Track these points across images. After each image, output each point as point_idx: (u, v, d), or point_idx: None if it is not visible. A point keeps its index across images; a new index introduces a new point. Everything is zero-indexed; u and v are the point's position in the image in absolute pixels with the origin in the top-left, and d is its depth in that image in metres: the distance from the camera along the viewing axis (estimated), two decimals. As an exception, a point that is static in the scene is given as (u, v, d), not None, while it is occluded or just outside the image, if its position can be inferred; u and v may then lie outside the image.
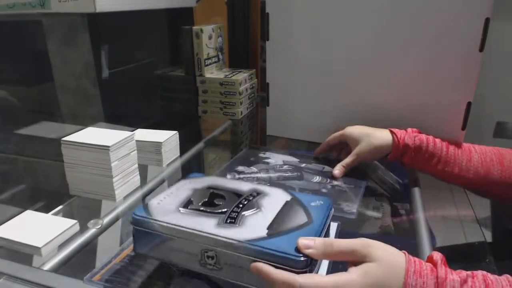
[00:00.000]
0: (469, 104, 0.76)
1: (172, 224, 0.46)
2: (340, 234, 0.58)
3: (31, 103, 1.15)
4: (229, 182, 0.56)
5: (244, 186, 0.55)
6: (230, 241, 0.43)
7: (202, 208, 0.49)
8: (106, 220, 0.62)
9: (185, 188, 0.54)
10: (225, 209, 0.48)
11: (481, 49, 0.72)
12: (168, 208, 0.49)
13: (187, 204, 0.50)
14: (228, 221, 0.46)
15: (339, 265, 0.44)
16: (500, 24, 1.01)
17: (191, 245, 0.45)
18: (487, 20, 0.70)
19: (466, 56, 0.73)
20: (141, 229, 0.47)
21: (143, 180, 0.74)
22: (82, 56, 0.91)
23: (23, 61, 1.11)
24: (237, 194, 0.53)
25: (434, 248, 0.56)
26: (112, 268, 0.50)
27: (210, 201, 0.51)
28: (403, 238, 0.62)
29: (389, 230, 0.61)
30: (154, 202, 0.50)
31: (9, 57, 1.10)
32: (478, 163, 0.63)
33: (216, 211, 0.48)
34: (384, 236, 0.60)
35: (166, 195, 0.52)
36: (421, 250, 0.56)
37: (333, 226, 0.59)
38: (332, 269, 0.50)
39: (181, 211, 0.48)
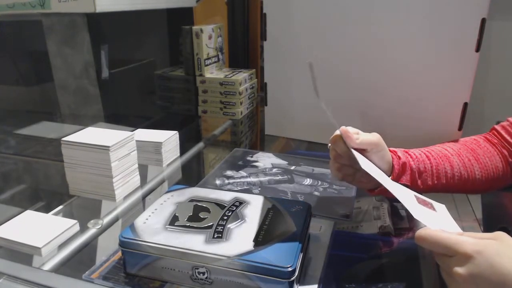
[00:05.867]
0: (465, 104, 0.76)
1: (161, 244, 0.46)
2: (336, 234, 0.58)
3: (31, 103, 1.16)
4: (210, 193, 0.57)
5: (226, 196, 0.56)
6: (220, 257, 0.44)
7: (188, 224, 0.49)
8: (106, 220, 0.62)
9: (169, 203, 0.55)
10: (211, 223, 0.49)
11: (477, 50, 0.72)
12: (155, 227, 0.49)
13: (173, 220, 0.50)
14: (215, 236, 0.47)
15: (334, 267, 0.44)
16: (499, 24, 1.01)
17: (182, 263, 0.46)
18: (483, 21, 0.70)
19: (463, 57, 0.73)
20: (130, 251, 0.48)
21: (143, 180, 0.74)
22: (82, 56, 0.91)
23: (23, 61, 1.11)
24: (220, 205, 0.54)
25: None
26: (111, 265, 0.51)
27: (195, 215, 0.51)
28: (403, 238, 0.62)
29: (389, 230, 0.61)
30: (140, 222, 0.50)
31: (9, 57, 1.10)
32: (460, 167, 0.62)
33: (203, 226, 0.49)
34: (384, 236, 0.60)
35: (150, 212, 0.52)
36: (421, 250, 0.57)
37: (329, 226, 0.59)
38: (325, 275, 0.51)
39: (168, 228, 0.49)
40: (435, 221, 0.45)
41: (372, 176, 0.56)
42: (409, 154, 0.61)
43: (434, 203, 0.52)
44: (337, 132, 0.55)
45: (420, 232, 0.42)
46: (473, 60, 0.73)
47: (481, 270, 0.37)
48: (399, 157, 0.59)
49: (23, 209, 0.62)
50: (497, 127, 0.66)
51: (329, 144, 0.58)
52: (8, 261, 0.51)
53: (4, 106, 1.16)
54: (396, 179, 0.57)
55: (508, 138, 0.63)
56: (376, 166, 0.55)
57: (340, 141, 0.55)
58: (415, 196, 0.51)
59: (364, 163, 0.52)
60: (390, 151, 0.59)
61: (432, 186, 0.60)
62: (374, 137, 0.56)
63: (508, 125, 0.64)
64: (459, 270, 0.38)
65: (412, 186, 0.59)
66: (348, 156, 0.55)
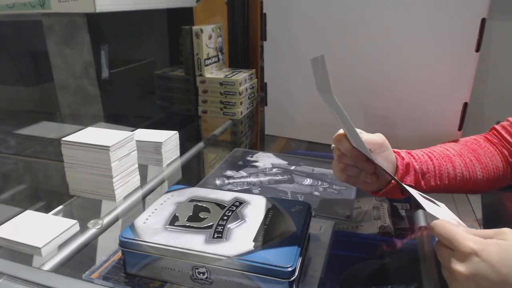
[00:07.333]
0: (465, 104, 0.76)
1: (161, 244, 0.46)
2: (336, 234, 0.58)
3: (31, 103, 1.16)
4: (210, 193, 0.57)
5: (226, 196, 0.56)
6: (220, 257, 0.44)
7: (188, 224, 0.49)
8: (106, 220, 0.62)
9: (169, 203, 0.55)
10: (211, 223, 0.49)
11: (477, 50, 0.72)
12: (155, 227, 0.49)
13: (173, 220, 0.50)
14: (215, 236, 0.47)
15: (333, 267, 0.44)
16: (500, 24, 1.01)
17: (182, 263, 0.46)
18: (483, 21, 0.70)
19: (463, 57, 0.73)
20: (130, 251, 0.48)
21: (143, 180, 0.74)
22: (82, 56, 0.91)
23: (23, 61, 1.11)
24: (220, 205, 0.54)
25: (434, 248, 0.56)
26: (111, 265, 0.51)
27: (195, 215, 0.51)
28: (403, 238, 0.62)
29: (389, 230, 0.61)
30: (140, 222, 0.50)
31: (9, 57, 1.10)
32: (462, 168, 0.62)
33: (203, 226, 0.49)
34: (384, 236, 0.60)
35: (150, 212, 0.52)
36: (421, 250, 0.57)
37: (329, 226, 0.59)
38: (325, 275, 0.51)
39: (168, 228, 0.49)
40: (446, 214, 0.46)
41: (377, 178, 0.56)
42: (411, 155, 0.61)
43: (436, 202, 0.52)
44: (341, 130, 0.55)
45: (433, 221, 0.42)
46: (473, 60, 0.73)
47: (482, 269, 0.37)
48: (403, 158, 0.59)
49: (23, 209, 0.62)
50: (497, 127, 0.66)
51: (333, 145, 0.57)
52: (8, 261, 0.51)
53: (4, 106, 1.16)
54: (400, 179, 0.57)
55: (508, 138, 0.63)
56: (381, 166, 0.54)
57: (344, 140, 0.54)
58: (420, 194, 0.51)
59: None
60: (393, 151, 0.59)
61: (435, 186, 0.60)
62: (378, 137, 0.56)
63: (508, 125, 0.64)
64: (459, 267, 0.38)
65: (416, 186, 0.58)
66: (353, 154, 0.54)
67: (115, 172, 0.66)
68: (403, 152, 0.61)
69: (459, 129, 0.78)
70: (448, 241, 0.40)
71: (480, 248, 0.37)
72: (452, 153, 0.63)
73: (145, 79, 1.19)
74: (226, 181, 0.74)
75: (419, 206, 0.47)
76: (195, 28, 1.08)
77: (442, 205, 0.51)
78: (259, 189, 0.71)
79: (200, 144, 0.96)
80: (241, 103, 1.11)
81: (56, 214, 0.65)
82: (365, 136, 0.54)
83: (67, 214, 0.66)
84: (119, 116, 1.04)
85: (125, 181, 0.69)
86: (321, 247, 0.54)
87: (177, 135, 0.83)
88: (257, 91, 1.23)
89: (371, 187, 0.59)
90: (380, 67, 0.81)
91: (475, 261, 0.37)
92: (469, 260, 0.37)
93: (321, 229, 0.58)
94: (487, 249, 0.37)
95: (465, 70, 0.74)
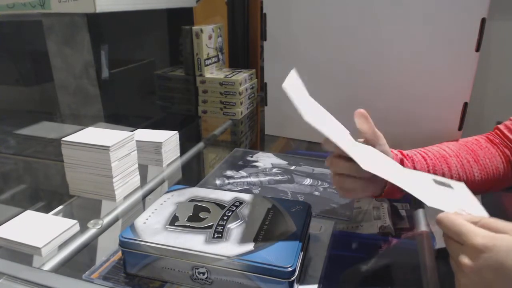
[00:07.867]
0: (465, 104, 0.76)
1: (161, 244, 0.46)
2: (336, 234, 0.58)
3: (31, 103, 1.16)
4: (210, 193, 0.57)
5: (226, 196, 0.56)
6: (220, 257, 0.44)
7: (188, 224, 0.49)
8: (106, 220, 0.62)
9: (169, 203, 0.55)
10: (211, 223, 0.49)
11: (477, 49, 0.72)
12: (155, 227, 0.49)
13: (173, 220, 0.50)
14: (215, 236, 0.47)
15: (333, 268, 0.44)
16: (499, 24, 1.01)
17: (182, 263, 0.46)
18: (483, 21, 0.70)
19: (463, 57, 0.73)
20: (130, 251, 0.48)
21: (143, 180, 0.74)
22: (82, 56, 0.91)
23: (23, 61, 1.11)
24: (220, 205, 0.54)
25: (434, 248, 0.56)
26: (111, 265, 0.51)
27: (195, 215, 0.52)
28: (403, 238, 0.62)
29: (389, 230, 0.61)
30: (140, 222, 0.50)
31: (9, 57, 1.10)
32: (458, 169, 0.62)
33: (203, 226, 0.49)
34: (384, 236, 0.60)
35: (150, 212, 0.52)
36: (421, 250, 0.56)
37: (329, 226, 0.59)
38: (325, 275, 0.51)
39: (168, 228, 0.49)
40: (454, 203, 0.44)
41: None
42: (403, 155, 0.61)
43: (453, 183, 0.50)
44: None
45: (440, 214, 0.42)
46: (473, 60, 0.73)
47: (489, 265, 0.36)
48: (396, 154, 0.60)
49: (23, 209, 0.62)
50: (500, 126, 0.66)
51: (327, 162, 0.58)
52: (8, 261, 0.51)
53: (4, 106, 1.16)
54: None
55: (511, 137, 0.63)
56: None
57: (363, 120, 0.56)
58: (433, 179, 0.50)
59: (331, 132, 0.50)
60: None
61: None
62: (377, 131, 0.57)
63: (511, 124, 0.64)
64: (467, 260, 0.37)
65: None
66: (373, 133, 0.55)
67: (115, 172, 0.66)
68: (395, 151, 0.61)
69: (459, 129, 0.78)
70: (456, 235, 0.39)
71: (489, 243, 0.37)
72: (449, 153, 0.63)
73: (145, 79, 1.19)
74: (226, 181, 0.74)
75: (418, 202, 0.46)
76: (195, 28, 1.08)
77: (458, 185, 0.50)
78: (259, 189, 0.71)
79: (200, 144, 0.96)
80: (241, 103, 1.11)
81: (56, 214, 0.65)
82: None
83: (67, 214, 0.66)
84: (119, 116, 1.04)
85: (125, 181, 0.69)
86: (321, 247, 0.54)
87: (177, 135, 0.83)
88: (257, 91, 1.23)
89: (374, 191, 0.59)
90: (380, 66, 0.81)
91: (483, 256, 0.37)
92: (477, 254, 0.37)
93: (321, 229, 0.58)
94: (497, 244, 0.37)
95: (465, 70, 0.74)
